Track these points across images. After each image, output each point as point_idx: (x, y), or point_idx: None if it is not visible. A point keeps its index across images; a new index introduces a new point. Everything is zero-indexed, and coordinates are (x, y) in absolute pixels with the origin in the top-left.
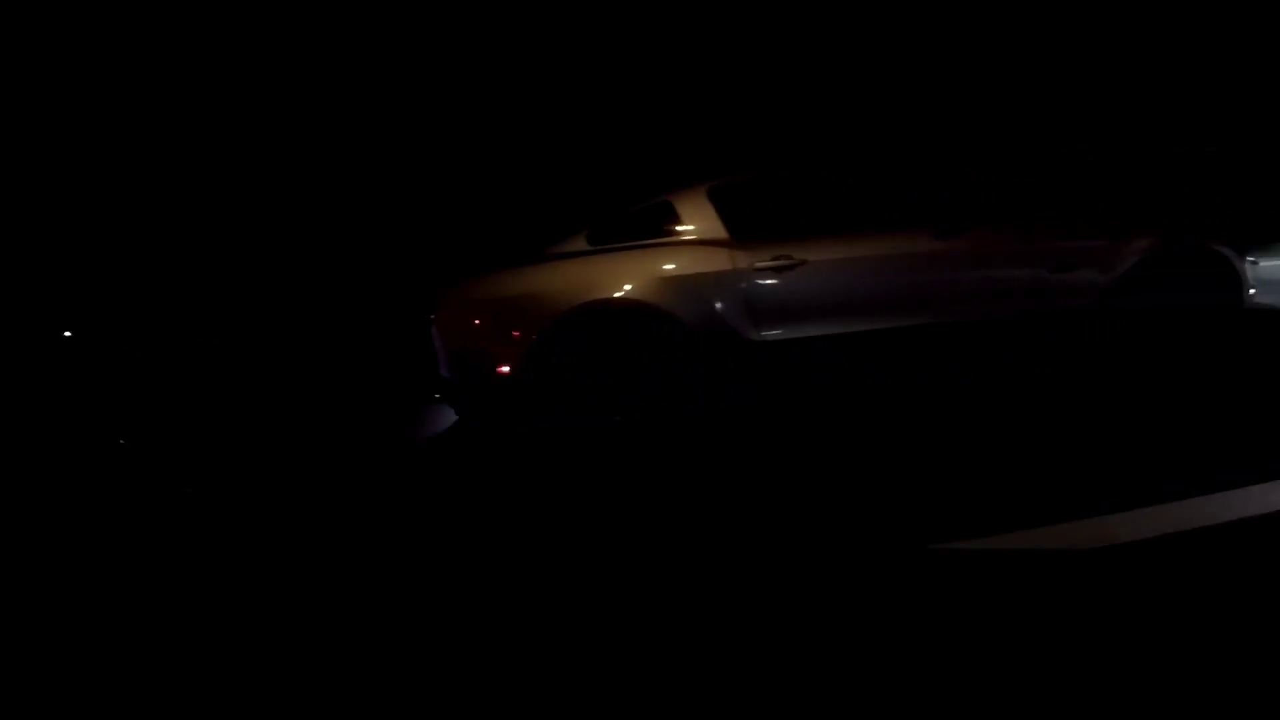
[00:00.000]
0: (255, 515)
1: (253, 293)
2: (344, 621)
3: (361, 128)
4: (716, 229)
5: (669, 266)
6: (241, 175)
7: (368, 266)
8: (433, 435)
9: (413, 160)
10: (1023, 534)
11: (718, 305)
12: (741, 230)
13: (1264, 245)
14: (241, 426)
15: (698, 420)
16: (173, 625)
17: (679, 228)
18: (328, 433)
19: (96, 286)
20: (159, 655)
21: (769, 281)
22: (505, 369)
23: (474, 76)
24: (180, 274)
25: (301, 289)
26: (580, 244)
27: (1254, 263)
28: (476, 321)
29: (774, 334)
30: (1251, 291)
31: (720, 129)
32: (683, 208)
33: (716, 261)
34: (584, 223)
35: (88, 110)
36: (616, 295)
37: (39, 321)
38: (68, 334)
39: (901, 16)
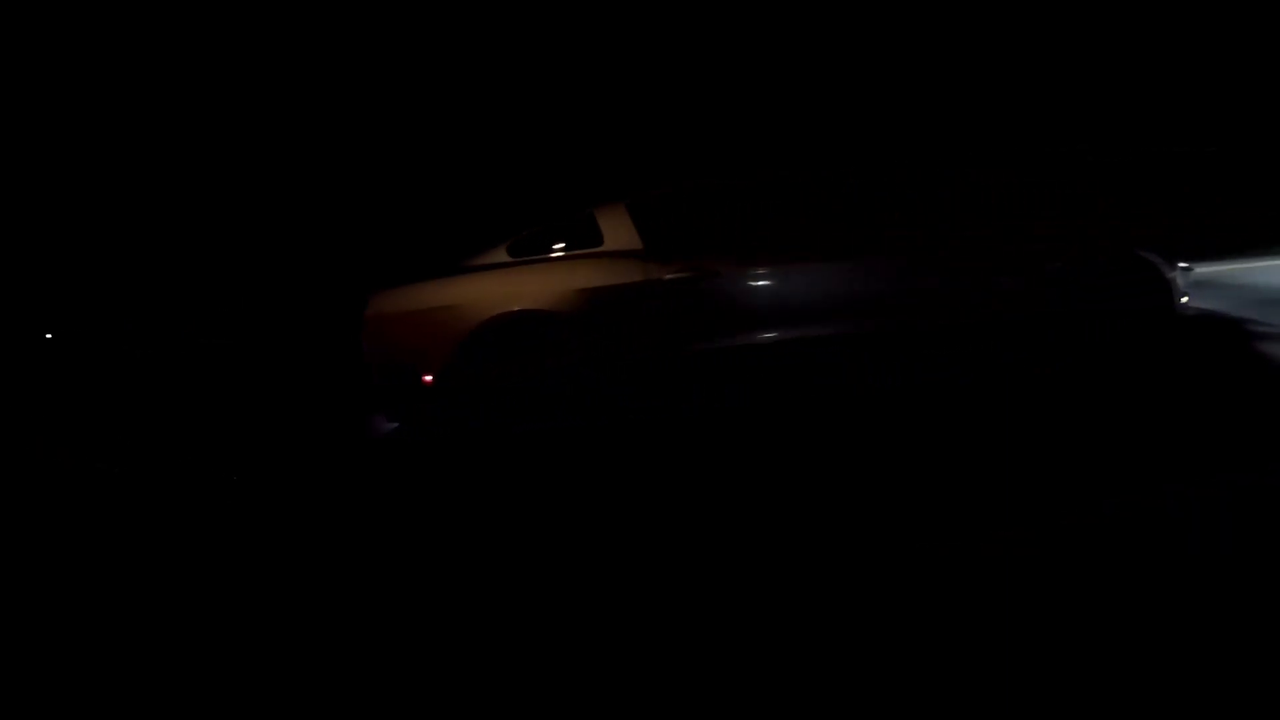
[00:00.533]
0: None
1: (252, 293)
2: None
3: (357, 129)
4: (634, 241)
5: (585, 278)
6: (239, 176)
7: (360, 266)
8: (378, 437)
9: (412, 162)
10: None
11: (632, 316)
12: (659, 243)
13: (1200, 251)
14: (238, 424)
15: (619, 430)
16: (170, 618)
17: (598, 240)
18: (314, 431)
19: (94, 287)
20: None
21: (682, 293)
22: (429, 378)
23: (471, 78)
24: (180, 274)
25: (296, 289)
26: (502, 255)
27: (1187, 269)
28: (400, 332)
29: (689, 345)
30: (1184, 299)
31: (662, 140)
32: (603, 220)
33: (631, 273)
34: (507, 234)
35: (87, 116)
36: (533, 306)
37: (21, 323)
38: (49, 335)
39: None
